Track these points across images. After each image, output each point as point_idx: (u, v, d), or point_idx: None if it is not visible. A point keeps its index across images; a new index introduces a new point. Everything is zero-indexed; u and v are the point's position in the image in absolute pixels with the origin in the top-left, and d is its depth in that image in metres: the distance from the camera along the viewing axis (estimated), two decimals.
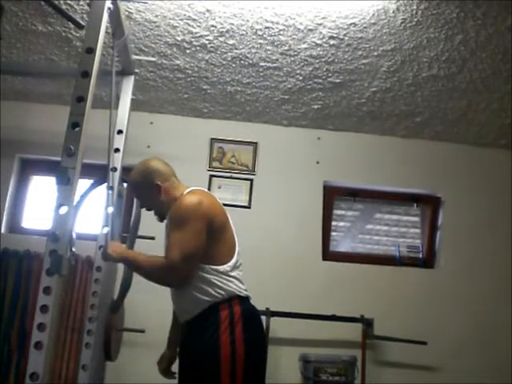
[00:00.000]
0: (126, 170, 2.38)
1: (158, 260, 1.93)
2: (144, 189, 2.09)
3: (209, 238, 1.94)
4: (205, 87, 3.28)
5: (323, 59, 2.89)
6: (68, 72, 2.93)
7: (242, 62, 2.97)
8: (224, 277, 1.95)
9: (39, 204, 3.64)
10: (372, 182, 3.76)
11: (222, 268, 1.96)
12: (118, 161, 2.27)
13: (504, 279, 3.57)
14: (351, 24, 2.57)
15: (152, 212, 2.17)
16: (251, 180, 3.65)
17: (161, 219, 2.11)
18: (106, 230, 2.06)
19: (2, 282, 3.23)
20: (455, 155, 3.78)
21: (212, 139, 3.69)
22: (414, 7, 2.39)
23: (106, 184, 2.22)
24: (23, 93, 3.50)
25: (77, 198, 1.59)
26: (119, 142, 2.32)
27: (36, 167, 3.68)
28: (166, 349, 2.25)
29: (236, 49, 2.85)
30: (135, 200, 2.30)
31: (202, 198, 2.02)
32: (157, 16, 2.60)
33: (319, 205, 3.66)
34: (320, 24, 2.59)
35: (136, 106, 3.11)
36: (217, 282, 1.93)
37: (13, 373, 3.12)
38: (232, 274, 1.98)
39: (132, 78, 2.47)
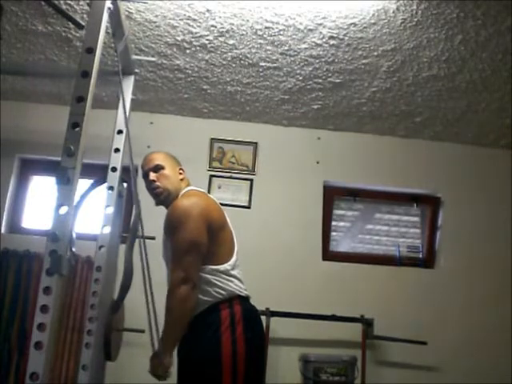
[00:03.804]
0: (126, 170, 2.38)
1: (169, 298, 1.91)
2: (170, 165, 2.16)
3: (208, 238, 1.94)
4: (205, 87, 3.28)
5: (323, 59, 2.89)
6: (68, 72, 2.93)
7: (242, 62, 2.97)
8: (224, 276, 1.95)
9: (39, 204, 3.64)
10: (372, 181, 3.76)
11: (222, 267, 1.96)
12: (117, 161, 2.27)
13: (504, 279, 3.57)
14: (351, 24, 2.57)
15: (152, 211, 2.17)
16: (251, 180, 3.64)
17: (158, 203, 2.15)
18: (107, 229, 2.06)
19: (2, 281, 3.23)
20: (455, 155, 3.79)
21: (212, 139, 3.69)
22: (414, 7, 2.39)
23: (106, 184, 2.23)
24: (23, 93, 3.50)
25: (77, 198, 1.59)
26: (119, 142, 2.32)
27: (36, 167, 3.68)
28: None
29: (236, 49, 2.85)
30: (135, 200, 2.30)
31: (196, 199, 2.03)
32: (157, 16, 2.60)
33: (319, 205, 3.66)
34: (320, 24, 2.59)
35: (136, 105, 3.11)
36: (217, 283, 1.94)
37: (13, 373, 3.12)
38: (232, 272, 1.98)
39: (132, 78, 2.46)
